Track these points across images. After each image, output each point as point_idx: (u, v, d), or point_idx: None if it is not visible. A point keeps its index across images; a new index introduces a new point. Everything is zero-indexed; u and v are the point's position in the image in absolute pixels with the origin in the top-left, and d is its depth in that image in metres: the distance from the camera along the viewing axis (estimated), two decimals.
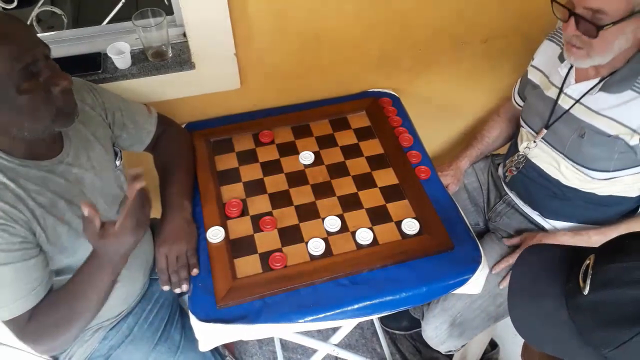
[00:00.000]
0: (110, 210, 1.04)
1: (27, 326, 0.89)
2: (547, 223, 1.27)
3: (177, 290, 1.05)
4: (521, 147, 1.26)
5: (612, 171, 1.09)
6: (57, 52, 1.23)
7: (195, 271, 1.05)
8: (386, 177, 1.24)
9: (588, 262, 0.63)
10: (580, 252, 0.67)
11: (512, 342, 1.65)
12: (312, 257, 1.08)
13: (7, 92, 0.79)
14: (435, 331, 1.29)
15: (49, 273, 0.92)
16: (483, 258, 1.08)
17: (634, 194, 1.14)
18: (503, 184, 1.37)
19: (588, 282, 0.60)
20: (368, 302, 1.03)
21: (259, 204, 1.19)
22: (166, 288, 1.05)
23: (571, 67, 1.14)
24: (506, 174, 1.32)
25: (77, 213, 0.95)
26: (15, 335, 0.91)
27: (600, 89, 1.07)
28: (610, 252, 0.63)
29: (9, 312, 0.87)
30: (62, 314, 0.91)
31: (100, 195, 1.02)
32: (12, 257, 0.84)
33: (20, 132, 0.85)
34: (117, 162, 1.08)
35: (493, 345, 1.63)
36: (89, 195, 0.99)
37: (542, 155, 1.21)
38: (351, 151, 1.31)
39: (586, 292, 0.60)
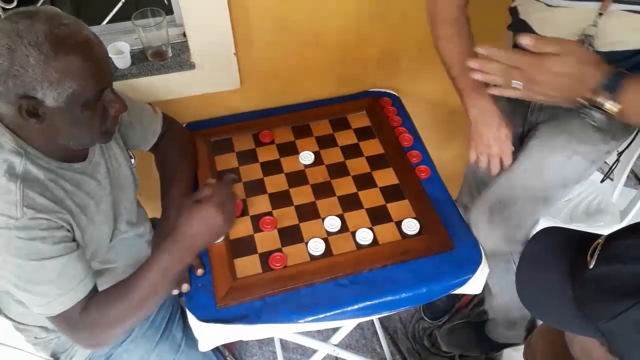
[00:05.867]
0: (131, 207, 1.08)
1: (79, 320, 0.88)
2: None
3: (175, 292, 1.04)
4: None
5: None
6: None
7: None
8: (386, 177, 1.24)
9: (599, 241, 0.65)
10: (593, 236, 0.69)
11: None
12: (312, 257, 1.08)
13: (74, 105, 0.82)
14: (476, 227, 1.13)
15: (90, 266, 0.93)
16: (483, 258, 1.08)
17: None
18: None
19: (595, 257, 0.62)
20: (368, 303, 1.02)
21: (259, 204, 1.19)
22: None
23: None
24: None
25: (104, 213, 0.99)
26: (65, 330, 0.90)
27: None
28: (621, 231, 0.65)
29: (60, 305, 0.86)
30: (118, 306, 0.90)
31: (121, 192, 1.05)
32: (57, 250, 0.85)
33: (66, 141, 0.88)
34: (132, 161, 1.10)
35: None
36: (114, 193, 1.02)
37: (619, 24, 0.83)
38: (351, 151, 1.31)
39: (591, 266, 0.62)
